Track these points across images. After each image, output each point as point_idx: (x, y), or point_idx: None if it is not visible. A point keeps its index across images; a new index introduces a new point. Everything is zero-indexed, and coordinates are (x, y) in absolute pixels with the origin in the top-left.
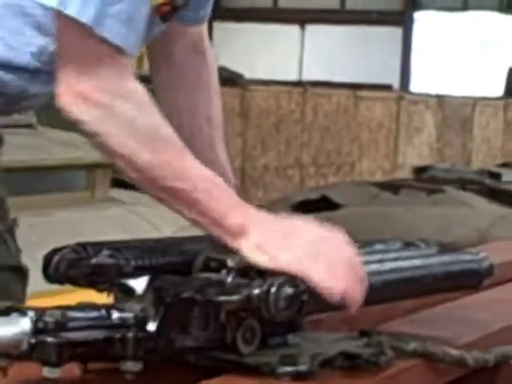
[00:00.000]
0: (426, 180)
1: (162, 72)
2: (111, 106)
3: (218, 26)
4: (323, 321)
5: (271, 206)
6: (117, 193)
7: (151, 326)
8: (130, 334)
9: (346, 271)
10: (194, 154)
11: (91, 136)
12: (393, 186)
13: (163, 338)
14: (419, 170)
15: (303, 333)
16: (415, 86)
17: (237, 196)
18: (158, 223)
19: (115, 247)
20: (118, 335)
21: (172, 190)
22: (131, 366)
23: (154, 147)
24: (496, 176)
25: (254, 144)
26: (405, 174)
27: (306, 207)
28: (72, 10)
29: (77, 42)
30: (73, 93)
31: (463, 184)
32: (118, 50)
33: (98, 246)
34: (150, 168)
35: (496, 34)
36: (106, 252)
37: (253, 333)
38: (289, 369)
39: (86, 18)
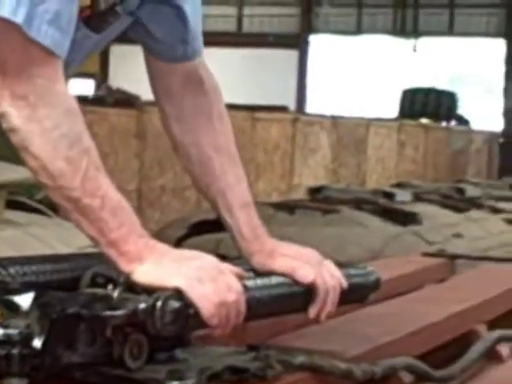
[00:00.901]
0: (321, 200)
1: (163, 108)
2: (36, 107)
3: (116, 48)
4: (212, 336)
5: (168, 227)
6: (12, 214)
7: (37, 343)
8: (15, 351)
9: (225, 297)
10: (206, 183)
11: (13, 132)
12: (288, 207)
13: (49, 355)
14: (314, 191)
15: (191, 348)
16: (311, 108)
17: (140, 225)
18: (54, 244)
19: (1, 264)
20: (2, 352)
21: (78, 204)
22: (16, 383)
23: (70, 157)
24: (390, 196)
25: (151, 165)
26: (300, 194)
27: (202, 228)
28: (5, 11)
29: (10, 41)
30: (2, 87)
31: (358, 204)
32: (47, 51)
33: None
34: (61, 176)
35: (389, 57)
36: None
37: (140, 348)
38: (176, 383)
39: (18, 18)
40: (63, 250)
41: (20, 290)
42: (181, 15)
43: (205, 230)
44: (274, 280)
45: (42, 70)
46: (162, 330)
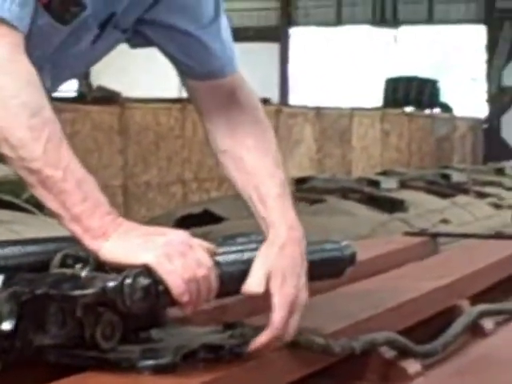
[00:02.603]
0: (307, 190)
1: (203, 122)
2: None
3: None
4: (190, 317)
5: (154, 222)
6: None
7: (6, 325)
8: None
9: (195, 273)
10: (242, 184)
11: None
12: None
13: (20, 337)
14: (300, 181)
15: (167, 328)
16: (294, 100)
17: (106, 202)
18: None
19: None
20: None
21: (40, 176)
22: None
23: (31, 126)
24: (375, 184)
25: (135, 161)
26: None
27: (189, 222)
28: None
29: None
30: None
31: (344, 193)
32: (7, 24)
33: None
34: (22, 147)
35: (370, 47)
36: None
37: (112, 328)
38: (150, 362)
39: None
40: None
41: None
42: (197, 41)
43: (191, 224)
44: (247, 255)
45: (3, 41)
46: (132, 308)
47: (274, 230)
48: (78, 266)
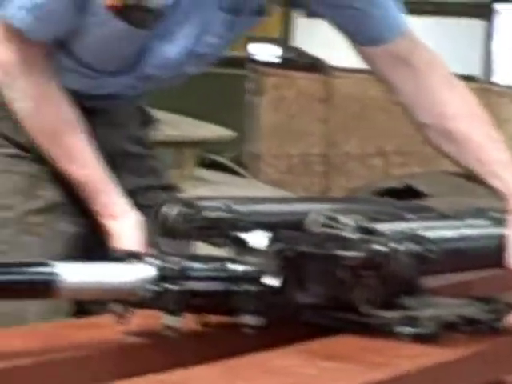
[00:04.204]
0: None
1: (394, 97)
2: (9, 74)
3: (302, 18)
4: (439, 289)
5: (353, 194)
6: (203, 173)
7: (273, 281)
8: (253, 288)
9: None
10: (457, 154)
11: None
12: (479, 178)
13: (284, 294)
14: None
15: (422, 297)
16: (498, 78)
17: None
18: None
19: (227, 203)
20: (239, 288)
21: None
22: (252, 320)
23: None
24: None
25: (337, 131)
26: None
27: (389, 196)
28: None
29: None
30: None
31: None
32: (21, 33)
33: (212, 201)
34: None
35: None
36: (220, 207)
37: (373, 292)
38: (411, 330)
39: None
40: None
41: (249, 228)
42: (360, 11)
43: (390, 198)
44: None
45: (15, 47)
46: (399, 274)
47: None
48: (340, 227)
